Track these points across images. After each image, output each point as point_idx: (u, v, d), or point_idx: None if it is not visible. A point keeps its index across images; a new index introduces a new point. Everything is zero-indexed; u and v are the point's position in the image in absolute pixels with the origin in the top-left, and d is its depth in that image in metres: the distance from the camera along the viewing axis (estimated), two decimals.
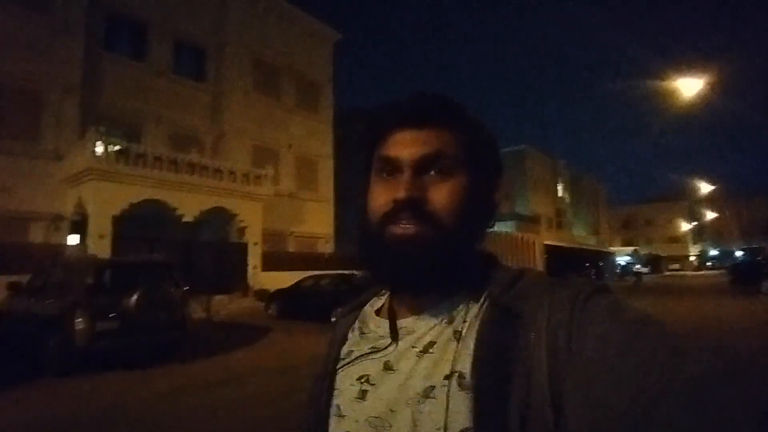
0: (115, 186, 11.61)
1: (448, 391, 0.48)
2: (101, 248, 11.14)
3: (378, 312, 0.63)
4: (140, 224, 12.66)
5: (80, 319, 5.90)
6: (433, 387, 0.49)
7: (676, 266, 57.96)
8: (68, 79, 12.70)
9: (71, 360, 6.04)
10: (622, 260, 44.89)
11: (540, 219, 38.68)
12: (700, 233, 65.26)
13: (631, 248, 52.18)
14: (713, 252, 63.47)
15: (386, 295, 0.63)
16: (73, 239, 12.07)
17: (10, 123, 11.62)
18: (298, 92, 19.92)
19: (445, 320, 0.54)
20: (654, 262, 50.03)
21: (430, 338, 0.53)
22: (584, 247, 33.21)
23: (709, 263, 60.28)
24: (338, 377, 0.60)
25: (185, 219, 13.27)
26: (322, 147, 20.28)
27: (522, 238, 22.53)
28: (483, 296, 0.54)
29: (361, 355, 0.59)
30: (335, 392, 0.59)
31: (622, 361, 0.40)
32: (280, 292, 12.00)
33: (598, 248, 36.95)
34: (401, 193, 0.52)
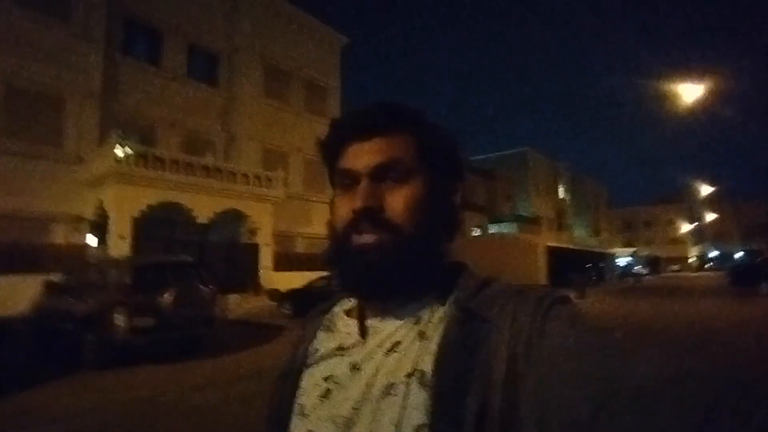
0: (135, 189, 12.04)
1: (407, 388, 0.49)
2: (121, 249, 11.58)
3: (348, 313, 0.63)
4: (157, 225, 13.09)
5: (119, 316, 6.34)
6: (393, 384, 0.50)
7: (676, 267, 58.31)
8: (89, 85, 13.13)
9: (110, 354, 6.48)
10: (622, 261, 45.24)
11: (541, 220, 39.09)
12: (699, 235, 65.58)
13: (631, 249, 52.55)
14: (713, 253, 63.76)
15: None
16: (92, 240, 12.49)
17: (33, 127, 12.05)
18: (306, 96, 20.34)
19: (412, 321, 0.55)
20: (653, 264, 50.39)
21: (396, 338, 0.54)
22: (585, 248, 33.57)
23: (708, 265, 60.58)
24: (304, 376, 0.61)
25: (199, 220, 13.69)
26: None
27: (525, 240, 22.93)
28: (450, 300, 0.55)
29: (328, 354, 0.59)
30: (299, 391, 0.60)
31: (574, 369, 0.42)
32: (294, 292, 12.41)
33: (598, 249, 37.29)
34: (358, 203, 0.54)
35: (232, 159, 16.70)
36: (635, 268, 40.49)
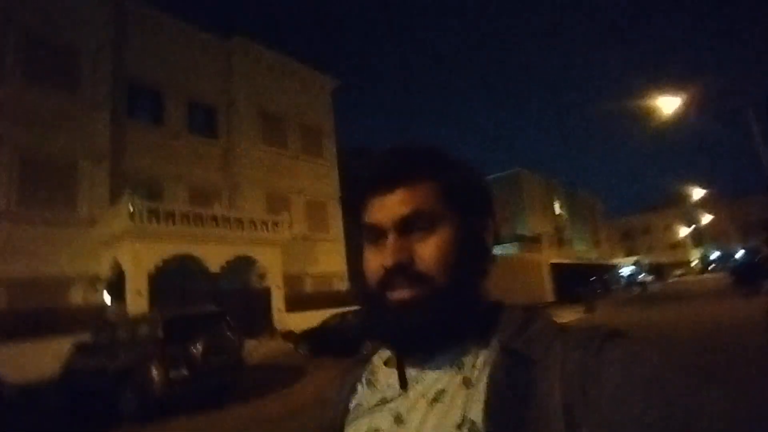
0: (149, 244, 12.43)
1: None
2: (139, 304, 11.86)
3: (387, 363, 0.61)
4: (170, 278, 13.40)
5: (155, 369, 6.61)
6: None
7: (680, 272, 58.29)
8: (98, 149, 13.72)
9: (148, 407, 6.71)
10: (625, 271, 45.39)
11: (540, 238, 39.51)
12: (699, 237, 65.92)
13: (633, 258, 52.79)
14: (714, 254, 63.89)
15: None
16: (107, 298, 12.78)
17: (47, 194, 12.53)
18: (302, 139, 21.06)
19: (455, 367, 0.53)
20: (657, 270, 50.51)
21: (439, 386, 0.52)
22: (588, 262, 33.87)
23: (711, 266, 60.61)
24: (347, 431, 0.59)
25: (212, 270, 14.03)
26: (329, 188, 21.27)
27: (528, 259, 23.27)
28: (492, 342, 0.53)
29: (370, 408, 0.57)
30: None
31: (640, 411, 0.40)
32: (309, 332, 12.62)
33: (601, 262, 37.61)
34: (388, 261, 0.53)
35: (238, 206, 17.19)
36: (639, 276, 40.63)
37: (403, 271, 0.53)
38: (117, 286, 12.98)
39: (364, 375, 0.63)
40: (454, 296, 0.53)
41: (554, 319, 0.54)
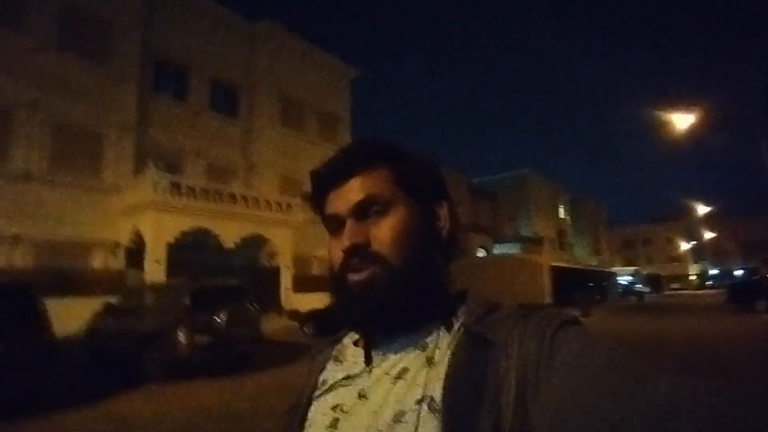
0: (169, 216, 12.93)
1: (418, 414, 0.49)
2: (157, 273, 12.40)
3: (356, 343, 0.64)
4: (185, 251, 13.92)
5: (182, 334, 7.14)
6: (404, 412, 0.50)
7: (677, 285, 58.57)
8: (124, 121, 14.16)
9: (172, 369, 7.25)
10: (623, 280, 45.79)
11: (543, 240, 39.94)
12: (699, 252, 66.13)
13: (632, 268, 53.10)
14: (713, 271, 64.07)
15: None
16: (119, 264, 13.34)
17: (76, 160, 13.01)
18: (319, 124, 21.44)
19: (419, 348, 0.55)
20: (655, 282, 50.80)
21: (403, 365, 0.55)
22: (587, 267, 34.33)
23: (709, 282, 60.85)
24: (312, 407, 0.61)
25: (226, 245, 14.54)
26: None
27: (529, 260, 23.71)
28: (456, 325, 0.55)
29: (336, 383, 0.60)
30: (307, 422, 0.60)
31: (588, 390, 0.42)
32: (314, 313, 13.16)
33: (601, 269, 38.04)
34: (345, 243, 0.56)
35: (252, 186, 17.66)
36: (637, 286, 40.97)
37: (359, 252, 0.55)
38: (134, 254, 13.52)
39: (332, 354, 0.66)
40: (409, 276, 0.55)
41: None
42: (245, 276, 15.45)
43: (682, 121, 16.95)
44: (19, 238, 11.58)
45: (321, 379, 0.64)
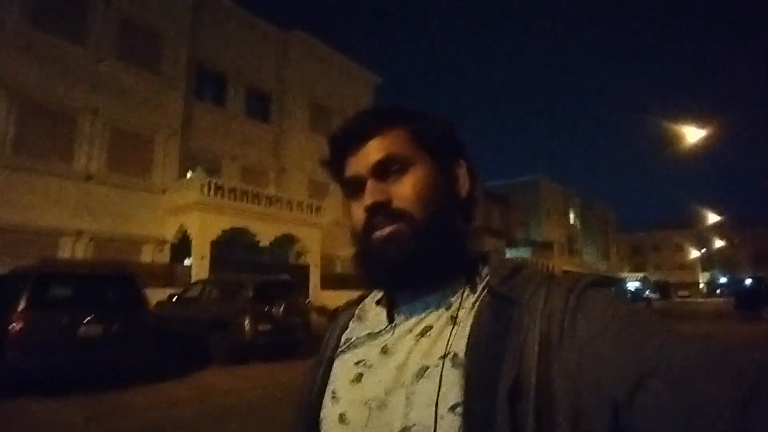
0: (213, 216, 14.03)
1: (442, 369, 0.50)
2: (202, 268, 13.50)
3: (378, 302, 0.65)
4: (221, 248, 15.01)
5: (247, 322, 8.19)
6: (427, 367, 0.51)
7: (685, 293, 58.72)
8: (172, 125, 15.30)
9: (235, 353, 8.30)
10: (631, 286, 46.27)
11: (553, 245, 40.71)
12: (709, 260, 66.23)
13: (640, 274, 53.54)
14: (723, 279, 64.08)
15: None
16: (186, 262, 14.48)
17: (129, 162, 14.15)
18: None
19: (443, 306, 0.56)
20: (663, 289, 51.17)
21: (427, 323, 0.55)
22: (597, 273, 35.08)
23: (718, 290, 60.91)
24: (335, 364, 0.62)
25: (261, 243, 15.62)
26: None
27: (542, 265, 24.60)
28: (481, 285, 0.56)
29: (359, 340, 0.61)
30: (331, 378, 0.61)
31: (612, 345, 0.42)
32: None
33: (609, 274, 38.73)
34: (367, 201, 0.56)
35: (282, 188, 18.73)
36: (645, 292, 41.44)
37: (381, 209, 0.56)
38: (179, 249, 14.65)
39: (356, 313, 0.67)
40: (432, 231, 0.56)
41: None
42: (278, 272, 16.56)
43: (693, 135, 17.73)
44: (82, 233, 12.73)
45: (344, 337, 0.65)
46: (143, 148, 14.55)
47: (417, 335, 0.55)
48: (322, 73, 21.80)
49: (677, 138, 18.92)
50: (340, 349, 0.63)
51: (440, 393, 0.48)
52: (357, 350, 0.61)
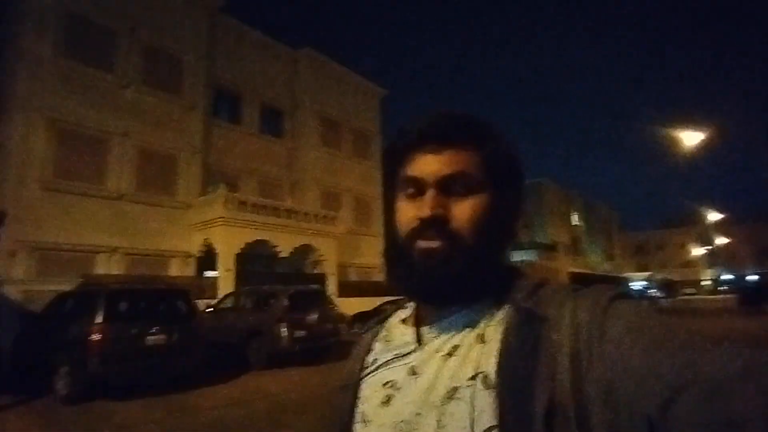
0: (237, 230, 14.76)
1: (473, 391, 0.49)
2: (228, 280, 14.21)
3: (404, 322, 0.65)
4: (248, 260, 15.73)
5: (284, 329, 8.86)
6: (457, 388, 0.51)
7: (691, 291, 59.02)
8: (193, 145, 16.07)
9: (273, 358, 8.96)
10: (637, 285, 46.64)
11: (557, 247, 41.29)
12: (713, 258, 66.51)
13: (645, 273, 53.93)
14: (727, 277, 64.33)
15: (411, 306, 0.66)
16: (210, 274, 15.19)
17: (155, 181, 14.91)
18: (353, 142, 23.25)
19: (469, 325, 0.56)
20: (668, 287, 51.46)
21: (454, 342, 0.56)
22: (603, 273, 35.64)
23: (723, 288, 61.16)
24: (363, 386, 0.62)
25: (281, 254, 16.33)
26: (373, 189, 23.47)
27: (549, 267, 25.22)
28: (507, 302, 0.56)
29: (386, 362, 0.61)
30: (359, 400, 0.61)
31: (641, 361, 0.41)
32: (363, 314, 14.83)
33: (616, 274, 39.27)
34: (426, 211, 0.56)
35: (297, 200, 19.47)
36: (650, 291, 41.83)
37: (437, 223, 0.56)
38: (204, 263, 15.36)
39: (380, 333, 0.67)
40: (478, 257, 0.56)
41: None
42: (298, 281, 17.25)
43: (691, 138, 18.33)
44: (116, 249, 13.46)
45: (369, 359, 0.65)
46: (168, 167, 15.31)
47: (445, 355, 0.55)
48: (331, 88, 22.61)
49: (676, 141, 19.52)
50: (367, 371, 0.64)
51: (474, 415, 0.48)
52: (385, 371, 0.61)
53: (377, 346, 0.66)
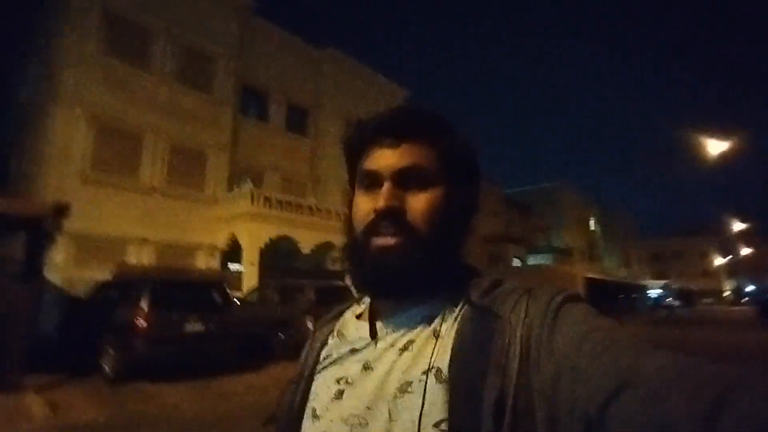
0: (262, 225, 15.26)
1: (425, 384, 0.50)
2: (252, 273, 14.72)
3: (359, 317, 0.66)
4: (271, 255, 16.23)
5: (310, 322, 9.29)
6: (410, 382, 0.52)
7: (709, 301, 58.06)
8: (222, 141, 16.63)
9: (300, 349, 9.33)
10: (653, 293, 46.21)
11: (573, 252, 41.13)
12: (734, 268, 65.22)
13: (662, 282, 53.32)
14: (749, 288, 63.02)
15: (367, 302, 0.67)
16: (233, 267, 15.76)
17: (185, 175, 15.51)
18: None
19: (425, 321, 0.57)
20: (686, 296, 50.88)
21: (409, 337, 0.56)
22: (619, 279, 35.43)
23: (745, 299, 59.88)
24: (315, 381, 0.63)
25: (304, 251, 16.80)
26: None
27: (565, 271, 25.25)
28: (462, 300, 0.57)
29: (340, 357, 0.61)
30: (311, 396, 0.62)
31: (587, 359, 0.43)
32: None
33: (631, 281, 38.98)
34: (381, 204, 0.56)
35: (318, 197, 19.93)
36: (667, 300, 41.43)
37: (392, 216, 0.57)
38: (229, 256, 15.92)
39: (335, 329, 0.68)
40: (434, 252, 0.57)
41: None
42: (316, 277, 17.72)
43: (715, 147, 18.23)
44: (146, 241, 14.07)
45: (323, 353, 0.65)
46: (197, 162, 15.89)
47: (399, 350, 0.56)
48: (354, 88, 23.01)
49: (699, 149, 19.36)
50: (320, 366, 0.64)
51: (424, 409, 0.49)
52: (338, 366, 0.61)
53: (332, 341, 0.67)
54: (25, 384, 5.91)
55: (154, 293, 6.85)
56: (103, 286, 8.40)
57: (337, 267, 18.68)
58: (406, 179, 0.58)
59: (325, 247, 18.09)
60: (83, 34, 13.33)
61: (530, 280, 0.59)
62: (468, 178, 0.63)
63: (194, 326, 7.11)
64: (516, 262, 32.99)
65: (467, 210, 0.63)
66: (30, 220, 5.59)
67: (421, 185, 0.58)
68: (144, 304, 6.69)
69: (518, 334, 0.49)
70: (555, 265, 27.08)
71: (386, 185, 0.58)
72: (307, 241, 16.78)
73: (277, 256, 16.82)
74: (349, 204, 0.66)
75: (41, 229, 5.71)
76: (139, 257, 13.83)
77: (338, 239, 14.00)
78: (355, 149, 0.65)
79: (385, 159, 0.59)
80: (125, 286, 7.42)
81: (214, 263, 15.88)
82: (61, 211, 5.37)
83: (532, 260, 34.33)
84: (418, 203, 0.58)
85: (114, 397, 6.27)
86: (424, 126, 0.61)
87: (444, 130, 0.62)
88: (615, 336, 0.45)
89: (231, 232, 15.67)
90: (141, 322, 6.59)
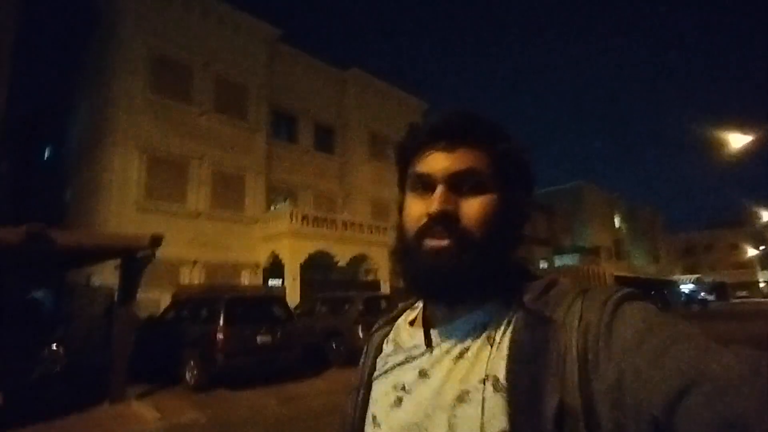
0: (301, 241, 16.12)
1: (483, 394, 0.50)
2: (294, 288, 15.55)
3: (412, 323, 0.65)
4: (311, 269, 17.06)
5: (360, 331, 10.00)
6: (468, 391, 0.51)
7: (744, 293, 56.72)
8: (258, 164, 17.64)
9: (352, 356, 10.08)
10: (685, 288, 45.50)
11: (599, 250, 40.94)
12: None
13: (694, 276, 52.38)
14: None
15: (420, 307, 0.67)
16: (274, 282, 16.66)
17: (227, 198, 16.53)
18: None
19: (479, 327, 0.56)
20: (719, 290, 49.82)
21: (464, 345, 0.56)
22: (649, 276, 35.21)
23: None
24: (374, 388, 0.64)
25: (340, 264, 17.59)
26: None
27: (594, 271, 25.44)
28: (515, 305, 0.56)
29: (396, 365, 0.61)
30: (370, 402, 0.63)
31: (649, 361, 0.42)
32: None
33: (662, 277, 38.61)
34: (435, 208, 0.56)
35: (349, 211, 20.76)
36: (700, 294, 40.79)
37: (446, 220, 0.56)
38: (272, 273, 16.82)
39: (390, 336, 0.69)
40: (487, 256, 0.56)
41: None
42: (353, 289, 18.47)
43: (737, 140, 18.35)
44: (196, 262, 15.07)
45: (380, 361, 0.66)
46: (237, 185, 16.91)
47: (455, 357, 0.56)
48: (377, 105, 23.91)
49: (722, 142, 19.43)
50: (378, 373, 0.66)
51: (484, 419, 0.49)
52: (394, 373, 0.62)
53: (387, 347, 0.68)
54: (127, 394, 6.77)
55: (228, 310, 7.67)
56: (173, 305, 9.29)
57: (371, 278, 19.44)
58: (460, 183, 0.58)
59: (359, 259, 18.86)
60: (132, 74, 14.53)
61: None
62: (522, 185, 0.63)
63: (264, 338, 7.89)
64: (543, 264, 33.17)
65: (520, 217, 0.63)
66: (127, 250, 6.45)
67: (476, 190, 0.58)
68: (221, 320, 7.51)
69: (574, 339, 0.48)
70: (583, 266, 27.26)
71: (440, 189, 0.58)
72: (343, 254, 17.57)
73: (314, 270, 17.65)
74: (399, 208, 0.67)
75: (136, 258, 6.56)
76: (191, 278, 14.83)
77: (372, 251, 14.95)
78: (408, 153, 0.65)
79: (439, 162, 0.59)
80: (202, 304, 8.28)
81: (257, 280, 16.80)
82: (156, 241, 6.20)
83: (559, 261, 34.41)
84: (471, 208, 0.57)
85: (203, 402, 7.06)
86: (480, 131, 0.60)
87: (500, 136, 0.61)
88: (677, 332, 0.44)
89: (272, 249, 16.58)
90: (220, 336, 7.41)
